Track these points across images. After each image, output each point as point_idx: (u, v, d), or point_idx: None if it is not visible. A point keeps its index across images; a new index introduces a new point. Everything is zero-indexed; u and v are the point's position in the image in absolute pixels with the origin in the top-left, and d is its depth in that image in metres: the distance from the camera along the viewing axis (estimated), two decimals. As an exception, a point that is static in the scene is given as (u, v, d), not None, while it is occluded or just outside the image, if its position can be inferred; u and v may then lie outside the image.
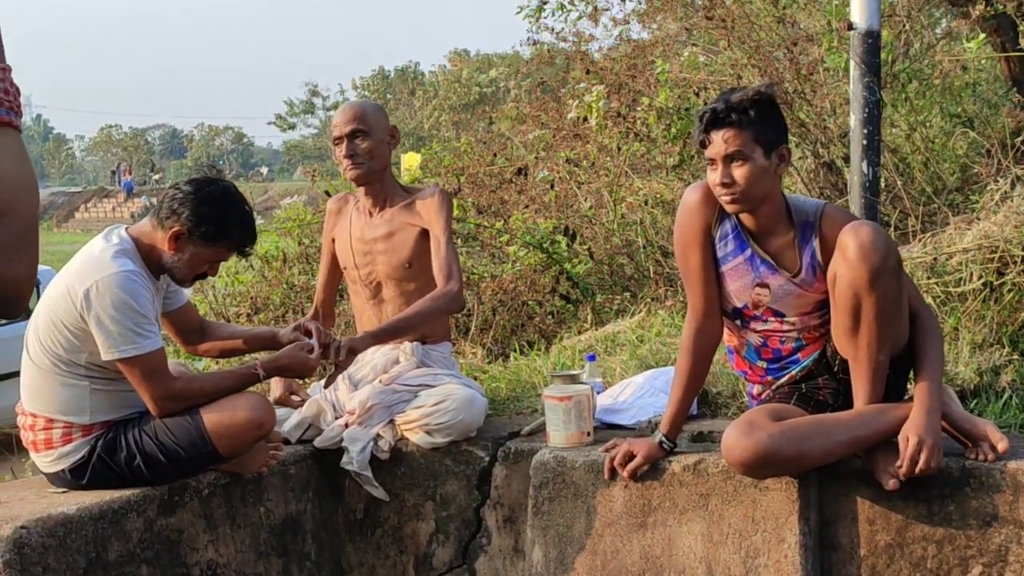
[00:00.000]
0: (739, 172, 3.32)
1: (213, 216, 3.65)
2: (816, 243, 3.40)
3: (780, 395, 3.53)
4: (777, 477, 3.37)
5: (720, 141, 3.34)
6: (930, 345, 3.37)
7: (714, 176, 3.37)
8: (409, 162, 9.70)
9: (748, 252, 3.45)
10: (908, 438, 3.19)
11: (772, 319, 3.49)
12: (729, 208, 3.41)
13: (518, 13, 9.29)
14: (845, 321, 3.29)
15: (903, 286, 3.32)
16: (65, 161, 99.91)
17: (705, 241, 3.49)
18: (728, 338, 3.66)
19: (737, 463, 3.29)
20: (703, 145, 3.41)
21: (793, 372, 3.53)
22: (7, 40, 1.62)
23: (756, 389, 3.67)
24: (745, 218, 3.46)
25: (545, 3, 9.13)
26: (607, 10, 8.88)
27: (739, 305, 3.51)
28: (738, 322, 3.56)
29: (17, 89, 1.63)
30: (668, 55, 7.67)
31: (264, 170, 77.78)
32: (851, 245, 3.23)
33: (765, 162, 3.35)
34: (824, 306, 3.42)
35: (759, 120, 3.34)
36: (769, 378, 3.59)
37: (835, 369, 3.48)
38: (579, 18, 8.92)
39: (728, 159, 3.33)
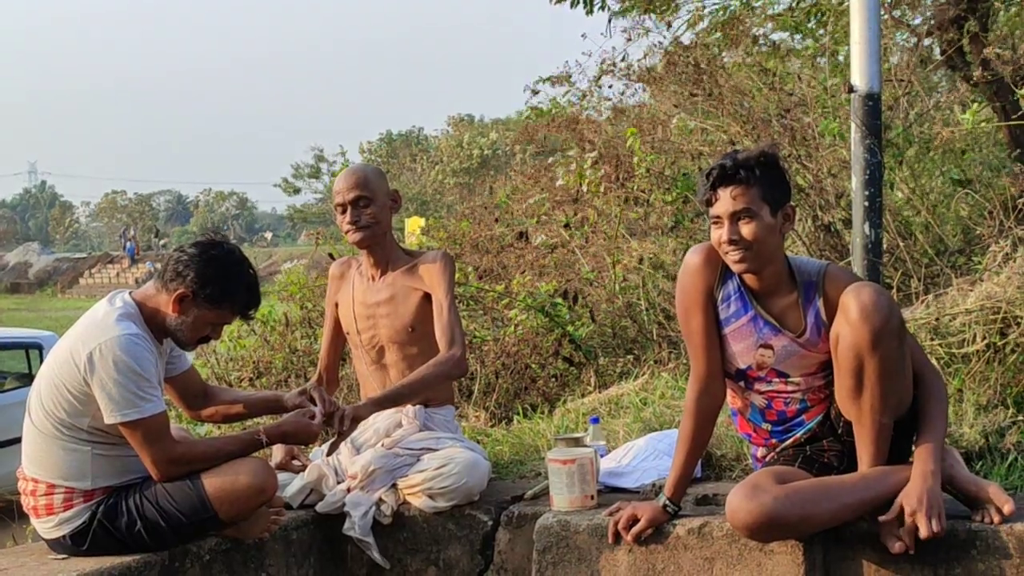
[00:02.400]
0: (746, 229, 3.33)
1: (218, 278, 3.66)
2: (820, 303, 3.40)
3: (784, 458, 3.52)
4: (782, 540, 3.35)
5: (728, 198, 3.35)
6: (933, 406, 3.36)
7: (720, 233, 3.37)
8: (412, 226, 9.76)
9: (751, 313, 3.45)
10: (904, 507, 3.18)
11: (776, 380, 3.48)
12: (735, 267, 3.41)
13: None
14: (848, 382, 3.28)
15: (906, 347, 3.32)
16: (70, 227, 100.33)
17: (707, 303, 3.49)
18: (732, 400, 3.65)
19: (742, 526, 3.27)
20: (708, 203, 3.42)
21: (798, 435, 3.52)
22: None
23: (760, 452, 3.65)
24: (748, 279, 3.46)
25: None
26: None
27: (743, 366, 3.50)
28: (742, 383, 3.55)
29: None
30: (664, 124, 7.73)
31: (268, 235, 78.08)
32: (853, 306, 3.23)
33: (771, 220, 3.36)
34: (828, 367, 3.41)
35: (766, 178, 3.36)
36: (774, 440, 3.57)
37: (839, 431, 3.46)
38: (592, 83, 9.00)
39: (735, 216, 3.34)
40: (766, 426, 3.57)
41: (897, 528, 3.22)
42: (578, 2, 9.68)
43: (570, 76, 9.12)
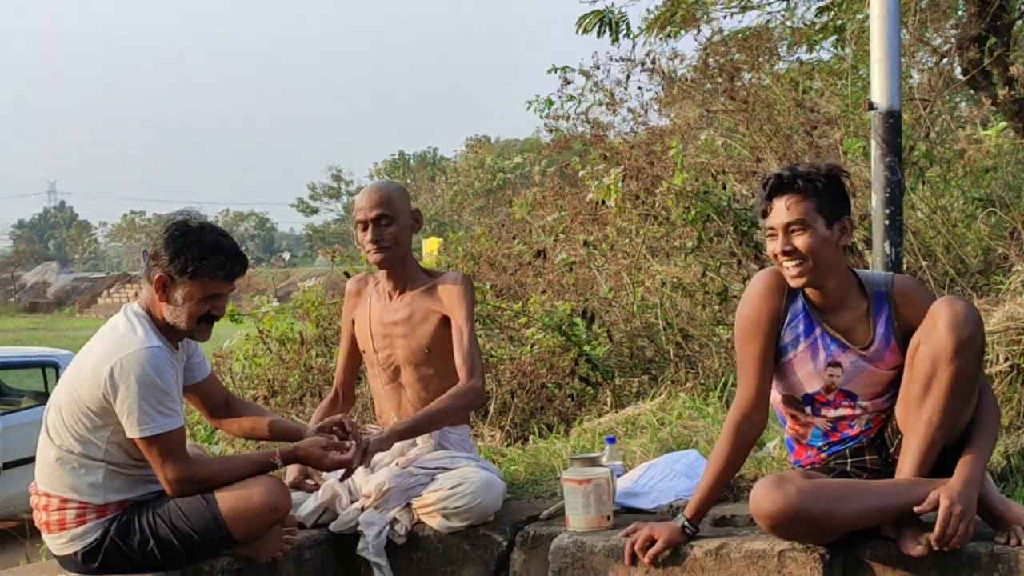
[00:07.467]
0: (800, 240, 3.31)
1: (184, 248, 3.61)
2: (891, 311, 3.38)
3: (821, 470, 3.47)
4: (802, 539, 3.30)
5: (783, 208, 3.33)
6: (986, 423, 3.32)
7: (775, 245, 3.35)
8: (430, 247, 9.72)
9: (818, 331, 3.42)
10: (942, 501, 3.12)
11: (844, 404, 3.44)
12: (794, 281, 3.37)
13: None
14: (916, 390, 3.24)
15: (981, 369, 3.29)
16: (88, 247, 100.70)
17: (770, 330, 3.43)
18: (790, 427, 3.59)
19: (765, 516, 3.22)
20: (764, 214, 3.39)
21: (846, 448, 3.48)
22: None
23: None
24: (812, 294, 3.42)
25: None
26: (625, 101, 8.85)
27: (812, 391, 3.45)
28: (808, 409, 3.50)
29: None
30: (686, 140, 7.69)
31: (286, 255, 78.27)
32: (944, 314, 3.21)
33: (827, 232, 3.33)
34: (894, 386, 3.38)
35: (824, 191, 3.33)
36: (823, 455, 3.52)
37: (891, 449, 3.40)
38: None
39: (788, 227, 3.32)
40: (824, 445, 3.52)
41: (920, 535, 3.17)
42: (604, 31, 9.64)
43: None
